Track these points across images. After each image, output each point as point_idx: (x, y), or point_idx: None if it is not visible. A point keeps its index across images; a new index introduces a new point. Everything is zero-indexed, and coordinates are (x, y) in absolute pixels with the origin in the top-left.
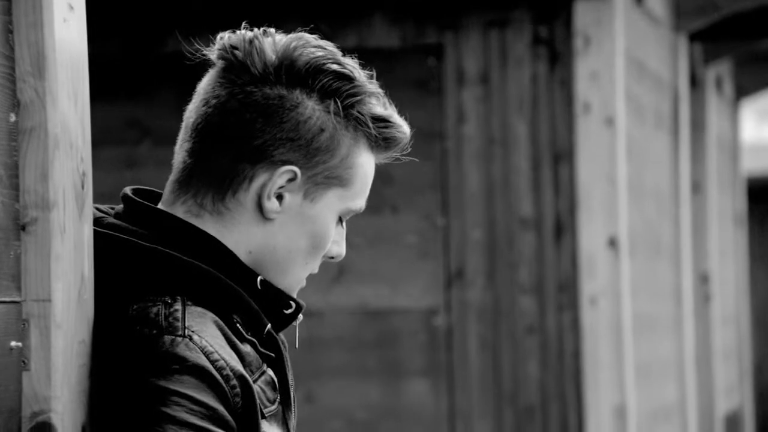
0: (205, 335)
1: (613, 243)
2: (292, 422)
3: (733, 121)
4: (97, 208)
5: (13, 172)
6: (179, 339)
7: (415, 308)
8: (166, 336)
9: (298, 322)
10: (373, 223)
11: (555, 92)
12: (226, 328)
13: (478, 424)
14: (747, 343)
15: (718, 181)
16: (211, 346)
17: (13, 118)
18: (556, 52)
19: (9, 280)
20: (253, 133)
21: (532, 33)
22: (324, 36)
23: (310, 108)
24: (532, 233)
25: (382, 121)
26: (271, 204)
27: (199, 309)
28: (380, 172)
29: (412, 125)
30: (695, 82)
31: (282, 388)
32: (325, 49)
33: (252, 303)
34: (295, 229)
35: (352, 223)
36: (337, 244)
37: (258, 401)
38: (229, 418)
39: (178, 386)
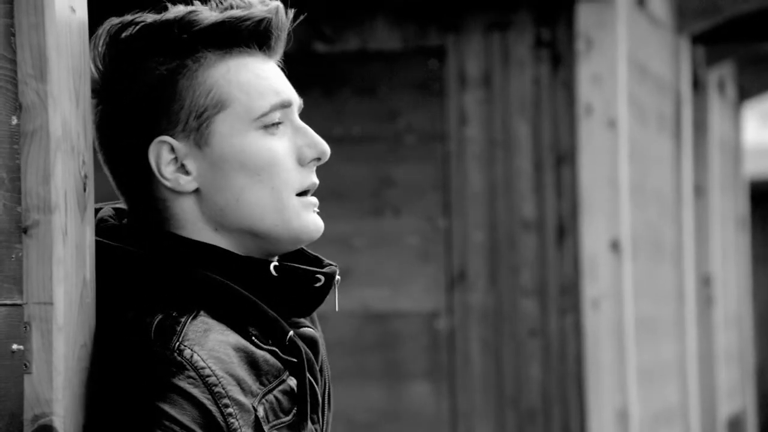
0: (199, 349)
1: (615, 245)
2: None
3: (736, 124)
4: (116, 209)
5: (15, 175)
6: (167, 353)
7: (416, 311)
8: (156, 348)
9: (337, 285)
10: (375, 225)
11: (557, 94)
12: (241, 339)
13: (479, 427)
14: (749, 346)
15: (721, 184)
16: (203, 360)
17: (15, 120)
18: (558, 54)
19: (11, 283)
20: (122, 136)
21: (534, 35)
22: (326, 38)
23: (140, 80)
24: (534, 235)
25: (211, 32)
26: (174, 181)
27: (208, 321)
28: (382, 173)
29: (413, 127)
30: (697, 85)
31: (300, 396)
32: (115, 25)
33: (268, 312)
34: (221, 180)
35: (354, 226)
36: (308, 148)
37: (262, 418)
38: None
39: (159, 401)
